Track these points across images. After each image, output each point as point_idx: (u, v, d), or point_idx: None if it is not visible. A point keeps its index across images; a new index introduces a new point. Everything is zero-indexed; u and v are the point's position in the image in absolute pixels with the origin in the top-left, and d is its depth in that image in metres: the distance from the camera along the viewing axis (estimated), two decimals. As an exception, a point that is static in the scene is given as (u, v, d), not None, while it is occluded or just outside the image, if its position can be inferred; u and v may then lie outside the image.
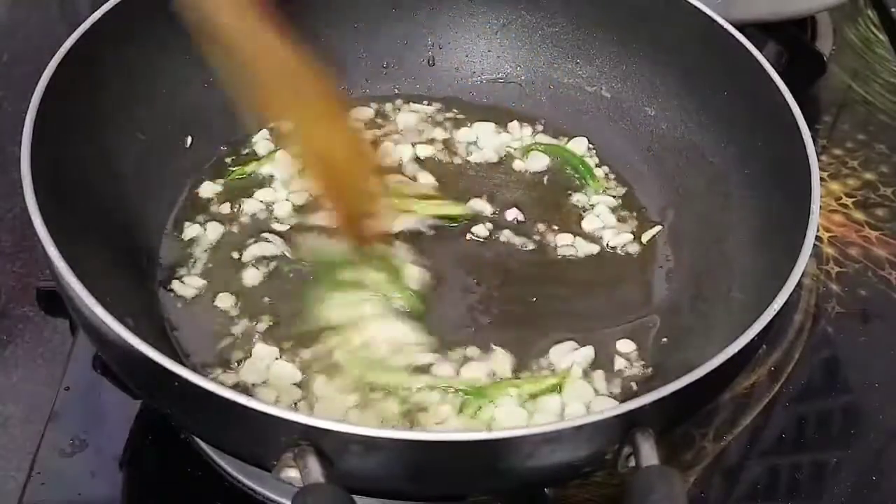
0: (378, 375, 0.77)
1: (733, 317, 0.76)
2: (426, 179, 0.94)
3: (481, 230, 0.90)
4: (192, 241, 0.87)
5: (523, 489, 0.73)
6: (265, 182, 0.92)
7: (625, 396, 0.79)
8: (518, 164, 0.97)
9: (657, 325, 0.85)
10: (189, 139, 0.92)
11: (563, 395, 0.78)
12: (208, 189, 0.91)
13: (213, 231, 0.88)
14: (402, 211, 0.89)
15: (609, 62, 0.99)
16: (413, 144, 0.97)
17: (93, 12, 0.82)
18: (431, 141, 0.98)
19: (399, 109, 1.01)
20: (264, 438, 0.62)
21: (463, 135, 0.99)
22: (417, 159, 0.96)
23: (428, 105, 1.01)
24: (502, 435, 0.61)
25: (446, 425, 0.76)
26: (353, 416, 0.75)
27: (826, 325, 0.94)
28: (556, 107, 1.01)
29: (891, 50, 1.24)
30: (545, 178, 0.96)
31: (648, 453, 0.62)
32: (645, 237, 0.91)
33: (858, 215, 1.04)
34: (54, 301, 0.85)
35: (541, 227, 0.91)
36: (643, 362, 0.82)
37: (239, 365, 0.78)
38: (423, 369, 0.79)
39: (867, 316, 0.96)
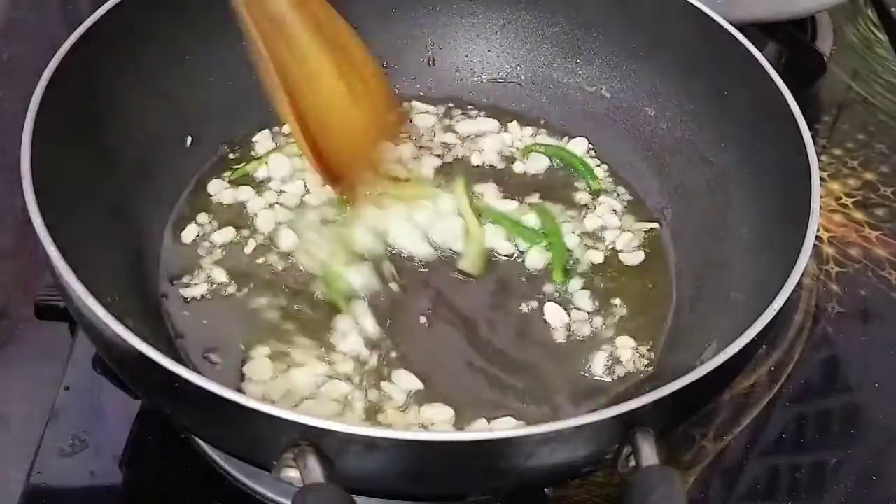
0: None
1: (733, 317, 0.76)
2: (426, 173, 0.95)
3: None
4: (192, 240, 0.87)
5: (523, 489, 0.73)
6: (264, 182, 0.92)
7: (625, 396, 0.79)
8: (518, 166, 0.97)
9: (657, 324, 0.85)
10: (189, 139, 0.92)
11: None
12: (216, 187, 0.91)
13: (214, 230, 0.88)
14: (397, 195, 0.89)
15: (609, 62, 0.99)
16: (417, 146, 0.97)
17: (93, 12, 0.82)
18: (432, 141, 0.98)
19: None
20: (264, 438, 0.62)
21: (463, 135, 0.99)
22: (418, 158, 0.96)
23: (429, 105, 1.01)
24: (502, 435, 0.61)
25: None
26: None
27: (826, 325, 0.94)
28: (556, 107, 1.01)
29: (891, 50, 1.24)
30: (546, 179, 0.96)
31: (648, 453, 0.62)
32: (645, 237, 0.91)
33: (858, 215, 1.04)
34: (52, 316, 0.85)
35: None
36: (644, 361, 0.82)
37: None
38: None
39: (867, 316, 0.96)
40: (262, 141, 0.95)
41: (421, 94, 1.02)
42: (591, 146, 0.98)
